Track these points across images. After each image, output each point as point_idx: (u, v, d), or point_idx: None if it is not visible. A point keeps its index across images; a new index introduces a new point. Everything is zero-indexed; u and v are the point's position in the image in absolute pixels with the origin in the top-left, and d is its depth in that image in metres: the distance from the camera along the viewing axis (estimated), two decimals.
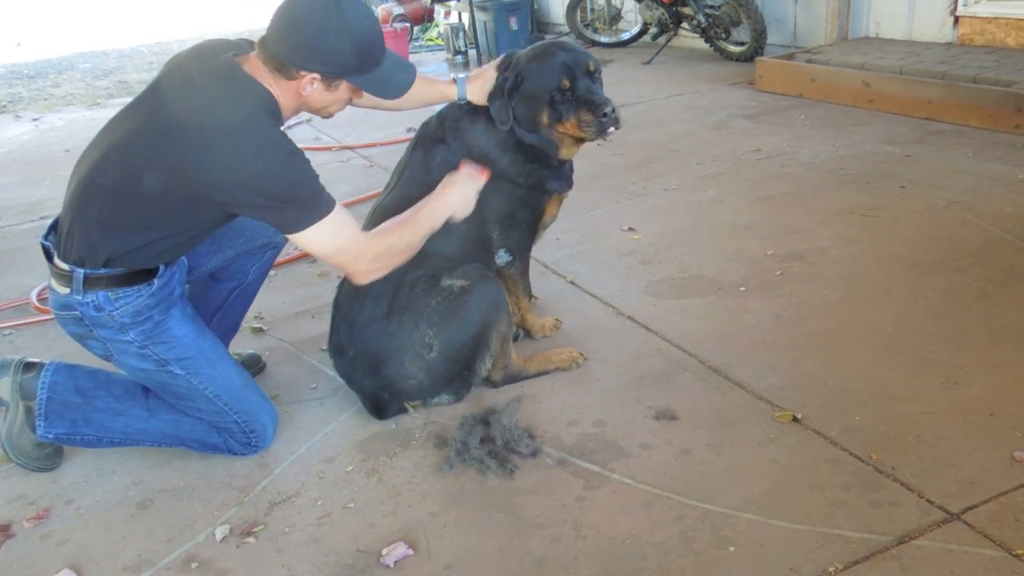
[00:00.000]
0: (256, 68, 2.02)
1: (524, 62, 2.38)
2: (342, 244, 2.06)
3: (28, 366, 2.25)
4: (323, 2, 1.94)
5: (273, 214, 2.00)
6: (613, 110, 2.30)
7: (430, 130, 2.50)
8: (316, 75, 1.99)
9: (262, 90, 2.00)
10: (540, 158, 2.44)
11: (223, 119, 1.93)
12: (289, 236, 2.04)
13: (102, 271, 2.06)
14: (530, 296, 2.73)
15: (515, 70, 2.37)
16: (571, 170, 2.58)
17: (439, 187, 2.32)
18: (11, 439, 2.26)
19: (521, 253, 2.57)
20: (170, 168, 1.95)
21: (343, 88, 2.07)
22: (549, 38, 8.60)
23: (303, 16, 1.95)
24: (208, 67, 2.01)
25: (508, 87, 2.35)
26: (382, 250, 2.14)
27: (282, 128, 2.08)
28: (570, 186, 2.59)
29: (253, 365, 2.73)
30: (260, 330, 3.04)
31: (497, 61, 2.46)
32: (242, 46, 2.14)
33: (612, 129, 2.33)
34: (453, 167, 2.38)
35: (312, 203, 2.00)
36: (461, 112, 2.45)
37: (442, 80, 2.49)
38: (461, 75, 2.45)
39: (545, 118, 2.35)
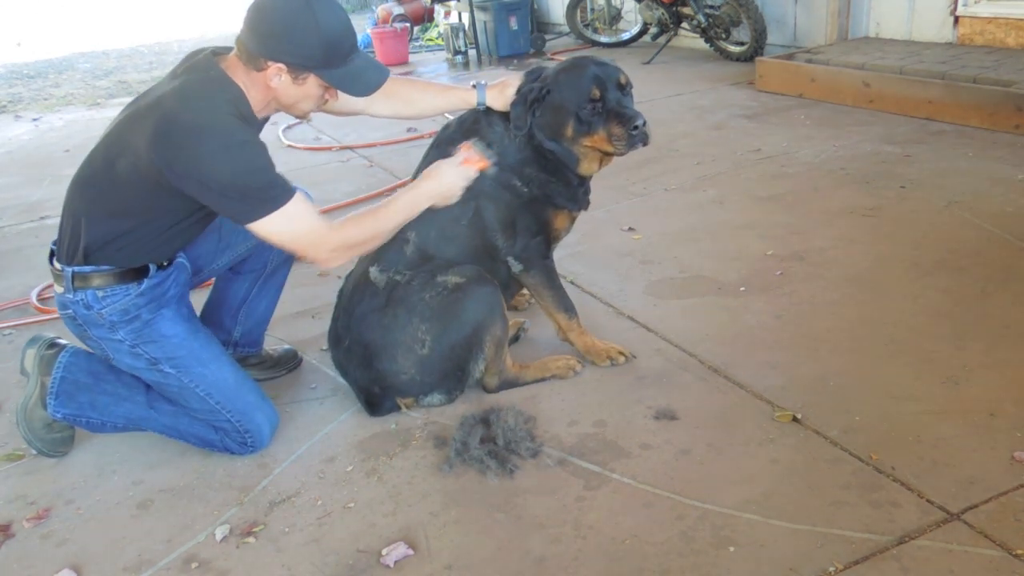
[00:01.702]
0: (232, 64, 2.08)
1: (553, 74, 2.35)
2: (298, 233, 2.08)
3: (53, 345, 2.35)
4: None
5: (222, 202, 2.01)
6: (644, 123, 2.24)
7: (447, 133, 2.49)
8: (282, 66, 2.02)
9: (230, 83, 2.05)
10: (556, 171, 2.40)
11: (183, 103, 1.99)
12: (245, 225, 2.05)
13: (88, 268, 2.13)
14: (569, 312, 2.54)
15: (543, 81, 2.34)
16: (587, 192, 2.53)
17: (424, 172, 2.32)
18: (25, 412, 2.33)
19: (534, 262, 2.46)
20: (135, 149, 2.00)
21: (311, 83, 2.09)
22: (549, 38, 8.65)
23: (272, 8, 2.02)
24: (189, 63, 2.11)
25: (532, 96, 2.32)
26: (344, 240, 2.14)
27: (252, 121, 2.12)
28: (582, 207, 2.53)
29: (289, 361, 2.76)
30: None
31: (524, 72, 2.45)
32: (228, 50, 2.20)
33: (640, 145, 2.27)
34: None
35: (261, 193, 2.01)
36: (479, 115, 2.44)
37: (460, 87, 2.49)
38: (482, 81, 2.45)
39: (570, 130, 2.31)
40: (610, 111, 2.27)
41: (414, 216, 2.28)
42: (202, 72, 2.06)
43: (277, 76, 2.04)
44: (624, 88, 2.32)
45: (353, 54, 2.10)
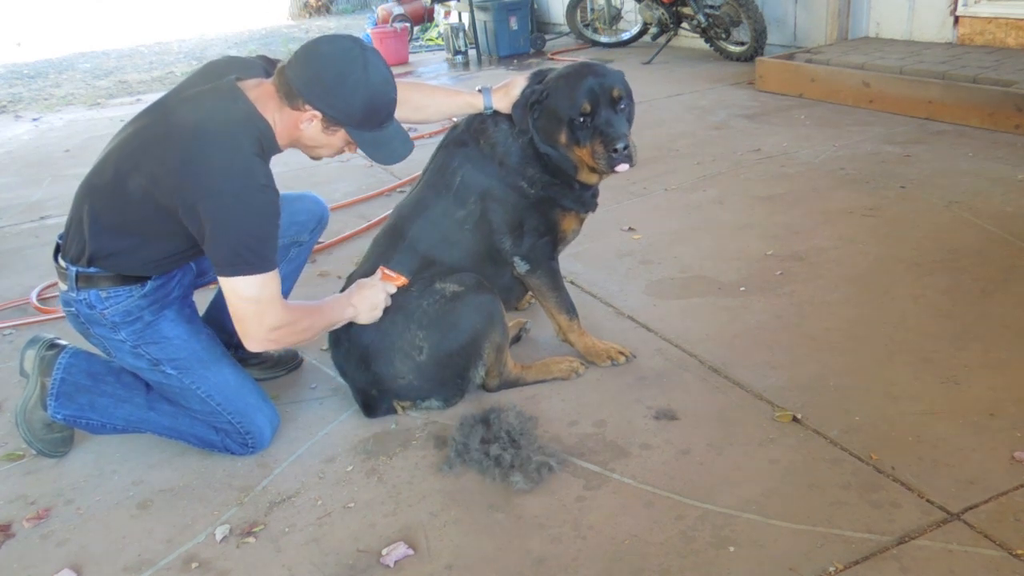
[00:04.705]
0: (265, 93, 2.05)
1: (553, 79, 2.35)
2: (258, 303, 2.00)
3: (53, 345, 2.34)
4: (352, 52, 2.00)
5: (213, 244, 1.96)
6: (626, 147, 2.23)
7: (455, 134, 2.49)
8: (318, 114, 2.01)
9: (258, 117, 2.02)
10: (559, 174, 2.39)
11: (208, 137, 1.96)
12: (220, 276, 1.99)
13: (92, 270, 2.13)
14: (570, 313, 2.55)
15: (544, 84, 2.34)
16: (595, 195, 2.51)
17: (352, 287, 2.32)
18: (25, 413, 2.32)
19: (540, 263, 2.46)
20: (151, 173, 1.98)
21: (339, 136, 2.08)
22: (549, 38, 8.65)
23: (329, 56, 2.00)
24: (213, 85, 2.06)
25: (532, 99, 2.32)
26: (287, 322, 2.07)
27: (273, 153, 2.09)
28: (589, 210, 2.52)
29: (289, 361, 2.76)
30: None
31: (529, 73, 2.45)
32: (254, 65, 2.18)
33: (624, 166, 2.26)
34: (470, 170, 2.39)
35: (252, 255, 1.96)
36: (486, 117, 2.44)
37: (466, 91, 2.49)
38: (488, 85, 2.45)
39: (563, 138, 2.31)
40: (596, 128, 2.26)
41: (335, 325, 2.27)
42: (229, 101, 2.01)
43: (309, 121, 2.03)
44: (616, 102, 2.28)
45: (388, 121, 2.09)
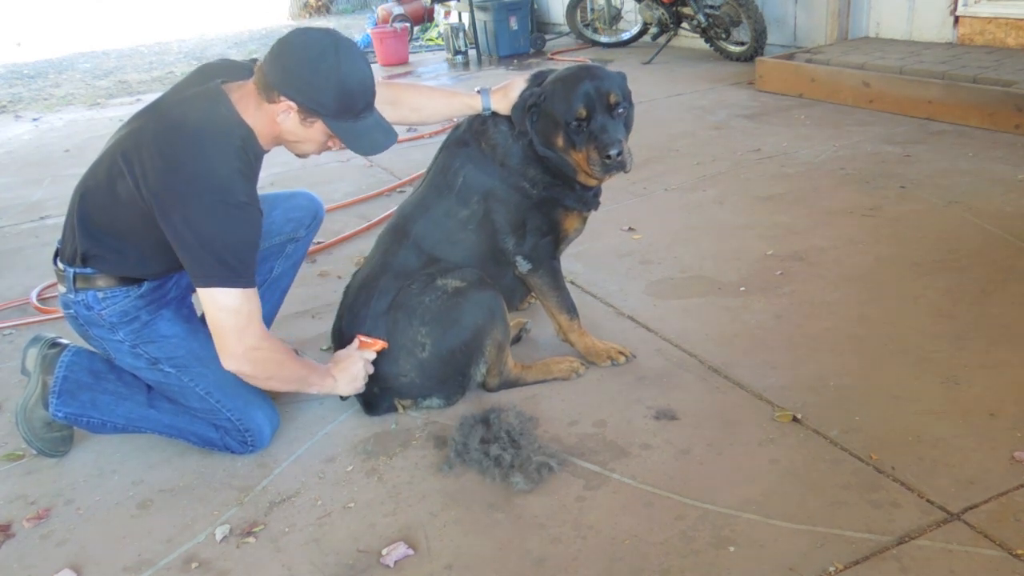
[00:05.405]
0: (247, 94, 2.05)
1: (551, 81, 2.34)
2: (238, 315, 1.99)
3: (55, 344, 2.35)
4: (323, 42, 1.99)
5: (189, 255, 1.96)
6: (620, 153, 2.22)
7: (457, 134, 2.49)
8: (293, 104, 2.00)
9: (238, 123, 2.02)
10: (559, 175, 2.39)
11: (192, 141, 1.96)
12: (200, 287, 1.99)
13: (88, 270, 2.14)
14: (571, 313, 2.55)
15: (542, 88, 2.34)
16: (597, 194, 2.51)
17: (331, 361, 2.30)
18: (25, 411, 2.32)
19: (542, 262, 2.46)
20: (136, 176, 1.98)
21: (318, 129, 2.07)
22: (549, 38, 8.64)
23: (301, 46, 2.00)
24: (200, 91, 2.07)
25: (530, 102, 2.32)
26: (267, 347, 2.07)
27: (259, 158, 2.09)
28: (592, 208, 2.52)
29: None
30: None
31: (529, 74, 2.45)
32: (244, 68, 2.18)
33: (618, 172, 2.27)
34: (472, 171, 2.39)
35: (231, 263, 1.96)
36: (486, 118, 2.43)
37: (464, 92, 2.49)
38: (486, 86, 2.45)
39: (560, 142, 2.31)
40: (591, 133, 2.25)
41: (312, 388, 2.24)
42: (213, 105, 2.02)
43: (286, 113, 2.02)
44: (613, 107, 2.27)
45: (367, 112, 2.08)
